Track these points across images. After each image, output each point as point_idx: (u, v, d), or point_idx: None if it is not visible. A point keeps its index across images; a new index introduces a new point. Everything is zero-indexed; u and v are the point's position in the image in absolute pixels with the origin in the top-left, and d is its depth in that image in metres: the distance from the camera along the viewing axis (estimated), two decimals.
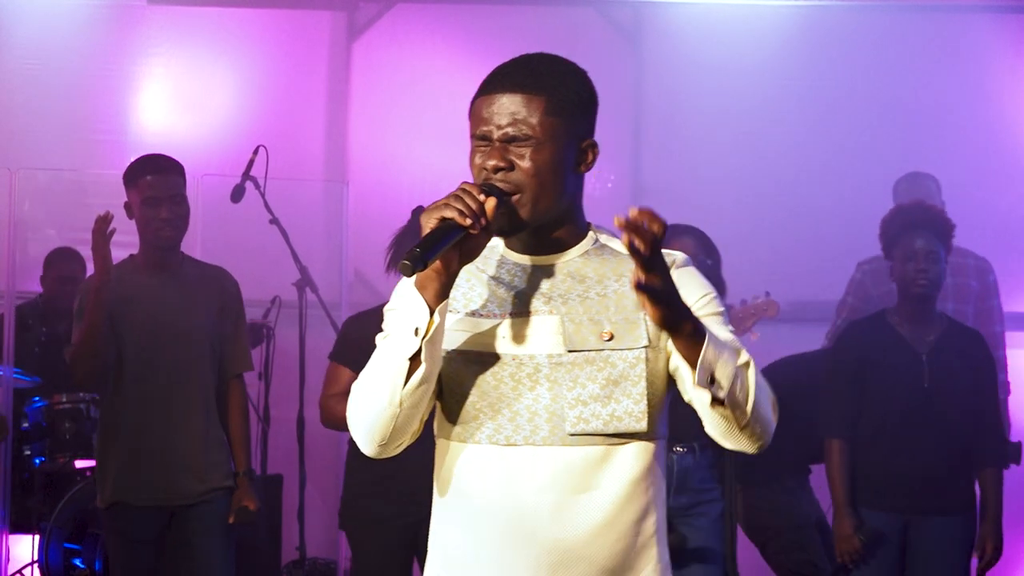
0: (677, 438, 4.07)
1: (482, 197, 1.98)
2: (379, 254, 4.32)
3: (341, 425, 4.25)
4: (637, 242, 1.86)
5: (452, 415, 2.06)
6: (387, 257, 4.25)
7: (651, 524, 2.08)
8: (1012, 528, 4.42)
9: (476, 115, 2.08)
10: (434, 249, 1.91)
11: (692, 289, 2.09)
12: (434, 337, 1.96)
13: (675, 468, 4.02)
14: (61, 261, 6.02)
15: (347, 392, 4.48)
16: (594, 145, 2.12)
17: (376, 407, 2.00)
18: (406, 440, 2.06)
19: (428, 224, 1.94)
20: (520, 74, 2.06)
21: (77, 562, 5.33)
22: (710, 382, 1.95)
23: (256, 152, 5.62)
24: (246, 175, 5.63)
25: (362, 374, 2.05)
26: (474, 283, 2.10)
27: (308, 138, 6.71)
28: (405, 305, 1.99)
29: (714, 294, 2.13)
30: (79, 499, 5.33)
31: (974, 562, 4.29)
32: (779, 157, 6.43)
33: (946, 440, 4.13)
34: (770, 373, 2.22)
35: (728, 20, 6.58)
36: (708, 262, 4.07)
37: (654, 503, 2.08)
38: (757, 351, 4.59)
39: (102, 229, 4.00)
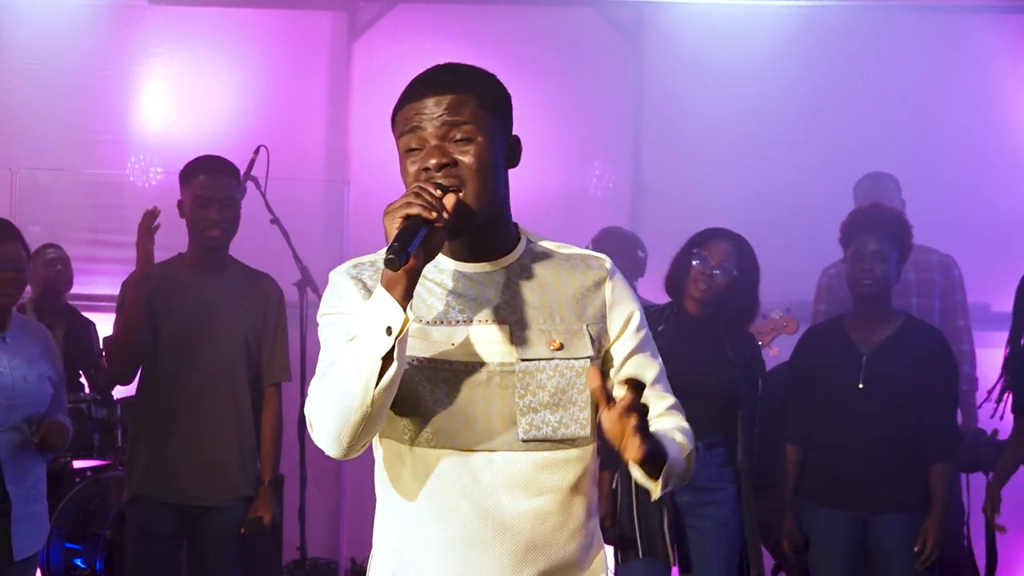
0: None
1: (438, 193, 2.00)
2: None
3: None
4: (636, 454, 1.96)
5: (406, 419, 2.09)
6: None
7: (595, 523, 2.20)
8: (1012, 528, 4.41)
9: (405, 122, 2.10)
10: (411, 244, 1.92)
11: (627, 301, 2.21)
12: (404, 336, 1.97)
13: None
14: (40, 253, 6.00)
15: None
16: (518, 140, 2.16)
17: (346, 409, 1.99)
18: (367, 441, 2.06)
19: (393, 224, 1.95)
20: (443, 78, 2.11)
21: (78, 562, 5.33)
22: (664, 486, 2.10)
23: (257, 152, 5.61)
24: (247, 175, 5.61)
25: (324, 377, 2.05)
26: (421, 293, 2.11)
27: (309, 138, 6.72)
28: (371, 305, 1.99)
29: (640, 310, 2.23)
30: (80, 499, 5.34)
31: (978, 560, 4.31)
32: (779, 157, 6.43)
33: (887, 439, 4.15)
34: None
35: (728, 20, 6.58)
36: (734, 272, 4.07)
37: (594, 503, 2.19)
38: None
39: (147, 224, 4.01)
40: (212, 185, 4.12)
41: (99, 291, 6.28)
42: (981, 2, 6.62)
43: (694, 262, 4.06)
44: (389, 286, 1.97)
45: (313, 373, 1.97)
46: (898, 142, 6.38)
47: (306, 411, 2.09)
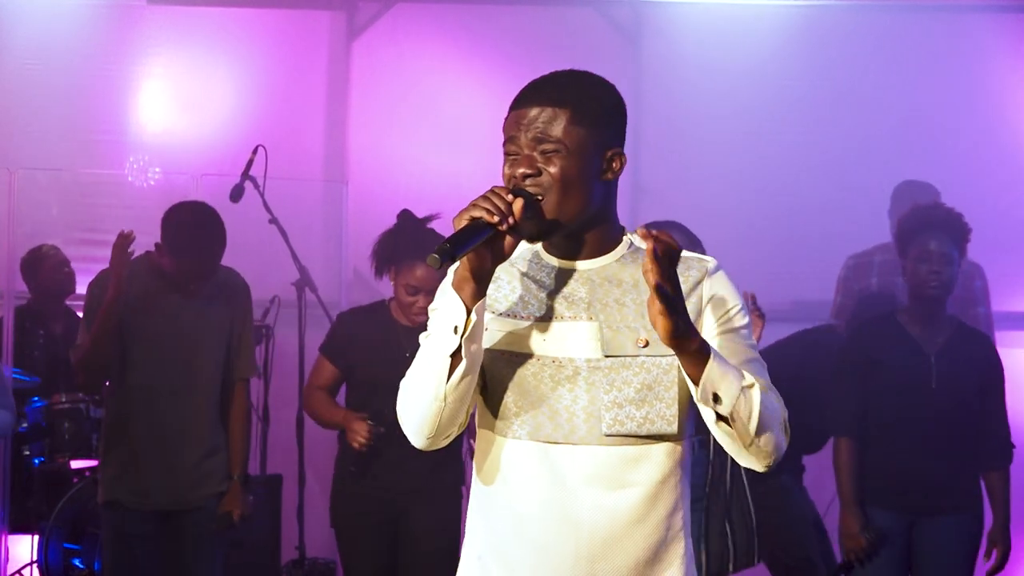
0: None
1: (509, 198, 2.08)
2: None
3: (319, 421, 4.32)
4: (660, 248, 1.99)
5: (494, 410, 2.18)
6: (372, 262, 4.25)
7: (679, 519, 2.20)
8: (1015, 527, 4.41)
9: (508, 125, 2.19)
10: (463, 246, 2.01)
11: (726, 296, 2.22)
12: (472, 334, 2.07)
13: None
14: (42, 257, 6.01)
15: (323, 386, 4.54)
16: (620, 154, 2.22)
17: (422, 403, 2.11)
18: (454, 431, 2.17)
19: (459, 224, 2.04)
20: (547, 89, 2.19)
21: (77, 562, 5.33)
22: (714, 400, 2.06)
23: (255, 152, 5.62)
24: (245, 175, 5.62)
25: (408, 372, 2.16)
26: (515, 285, 2.21)
27: (307, 138, 6.71)
28: (444, 304, 2.10)
29: (742, 306, 2.24)
30: (79, 499, 5.33)
31: (980, 561, 4.30)
32: (779, 157, 6.42)
33: (952, 441, 4.14)
34: (767, 357, 2.26)
35: (728, 20, 6.57)
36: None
37: (682, 499, 2.20)
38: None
39: (123, 246, 4.00)
40: (190, 250, 4.10)
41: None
42: (981, 2, 6.61)
43: None
44: (458, 286, 2.08)
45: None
46: (898, 142, 6.37)
47: (397, 407, 2.19)
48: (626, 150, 2.25)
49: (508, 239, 2.08)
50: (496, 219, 2.04)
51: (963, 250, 4.22)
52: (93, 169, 6.50)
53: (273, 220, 5.57)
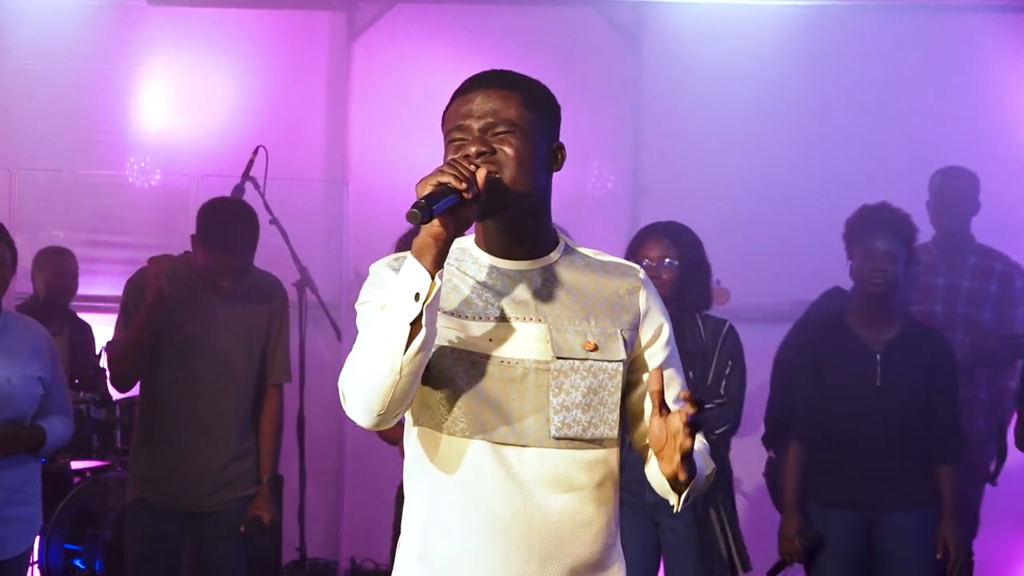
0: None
1: (472, 167, 2.06)
2: (379, 254, 4.29)
3: (387, 438, 4.19)
4: (682, 476, 2.07)
5: (442, 408, 2.14)
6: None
7: (616, 524, 2.24)
8: (1013, 528, 4.42)
9: (452, 115, 2.18)
10: (438, 205, 1.98)
11: (659, 309, 2.29)
12: (433, 302, 2.02)
13: None
14: (53, 259, 6.01)
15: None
16: (562, 147, 2.25)
17: (376, 376, 2.03)
18: (401, 411, 2.10)
19: (424, 190, 2.01)
20: (493, 76, 2.20)
21: (77, 563, 5.33)
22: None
23: (256, 152, 5.62)
24: (246, 175, 5.62)
25: (356, 346, 2.10)
26: (459, 285, 2.18)
27: (308, 138, 6.71)
28: (403, 272, 2.04)
29: (670, 324, 2.31)
30: (79, 500, 5.33)
31: (975, 560, 4.31)
32: (779, 157, 6.42)
33: (901, 437, 4.16)
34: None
35: (728, 20, 6.57)
36: (676, 263, 4.10)
37: (616, 505, 2.24)
38: (757, 351, 4.62)
39: (166, 268, 4.02)
40: (223, 255, 4.11)
41: (98, 292, 6.27)
42: (981, 2, 6.62)
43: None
44: (418, 253, 2.03)
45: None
46: (898, 142, 6.37)
47: (340, 384, 2.12)
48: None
49: (470, 209, 2.05)
50: (463, 185, 2.01)
51: (910, 249, 4.25)
52: (93, 170, 6.50)
53: (273, 220, 5.57)
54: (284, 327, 4.29)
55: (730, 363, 4.14)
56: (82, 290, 6.06)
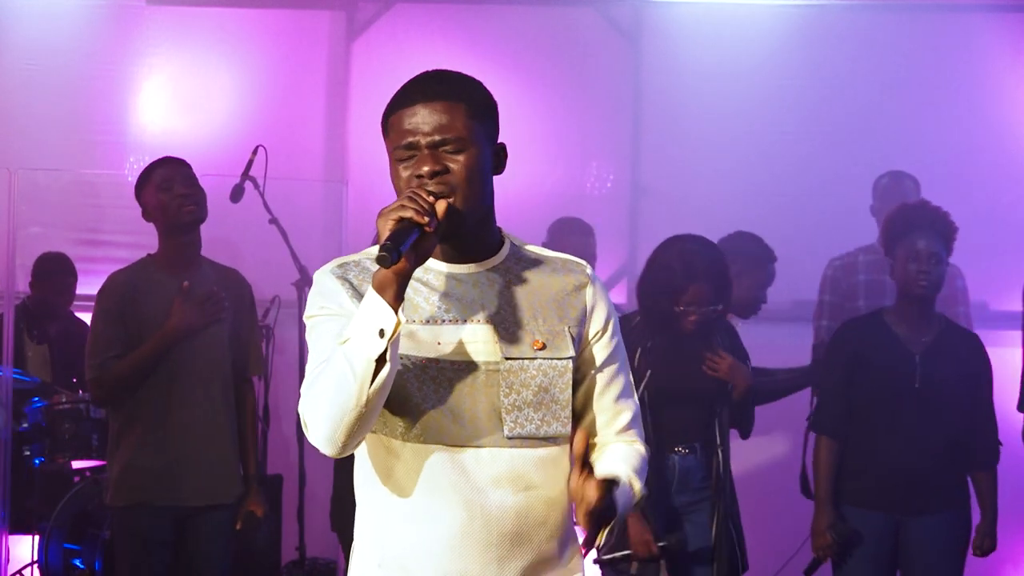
0: (678, 440, 4.10)
1: (431, 199, 2.06)
2: None
3: None
4: (594, 497, 2.07)
5: (396, 414, 2.14)
6: None
7: (571, 520, 2.24)
8: (1012, 528, 4.42)
9: (397, 129, 2.15)
10: (404, 243, 1.99)
11: (606, 307, 2.29)
12: (397, 338, 2.03)
13: (677, 468, 4.09)
14: (53, 268, 6.02)
15: None
16: (504, 148, 2.23)
17: (341, 409, 2.03)
18: (361, 439, 2.12)
19: (386, 226, 2.01)
20: (434, 85, 2.17)
21: (77, 562, 5.33)
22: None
23: (255, 152, 5.62)
24: (245, 175, 5.63)
25: (319, 379, 2.08)
26: (407, 293, 2.14)
27: (307, 138, 6.71)
28: (364, 308, 2.03)
29: (616, 318, 2.31)
30: (79, 499, 5.33)
31: (970, 560, 4.32)
32: (778, 157, 6.42)
33: (937, 440, 4.15)
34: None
35: (728, 20, 6.57)
36: (716, 307, 4.06)
37: (569, 501, 2.22)
38: (757, 352, 4.62)
39: (222, 306, 4.08)
40: (171, 171, 4.13)
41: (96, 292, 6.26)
42: (981, 2, 6.62)
43: (678, 308, 4.02)
44: (380, 288, 2.02)
45: None
46: (897, 141, 6.37)
47: (300, 411, 2.12)
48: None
49: (430, 241, 2.05)
50: (426, 219, 2.01)
51: (950, 248, 4.23)
52: (93, 169, 6.50)
53: (273, 220, 5.57)
54: (254, 320, 4.32)
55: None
56: (81, 290, 6.06)
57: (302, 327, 5.62)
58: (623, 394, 2.30)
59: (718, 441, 4.08)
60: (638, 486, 2.25)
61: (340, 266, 2.23)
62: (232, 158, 5.93)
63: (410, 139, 2.12)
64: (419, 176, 2.10)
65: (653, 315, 4.07)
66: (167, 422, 4.07)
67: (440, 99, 2.13)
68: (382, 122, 2.19)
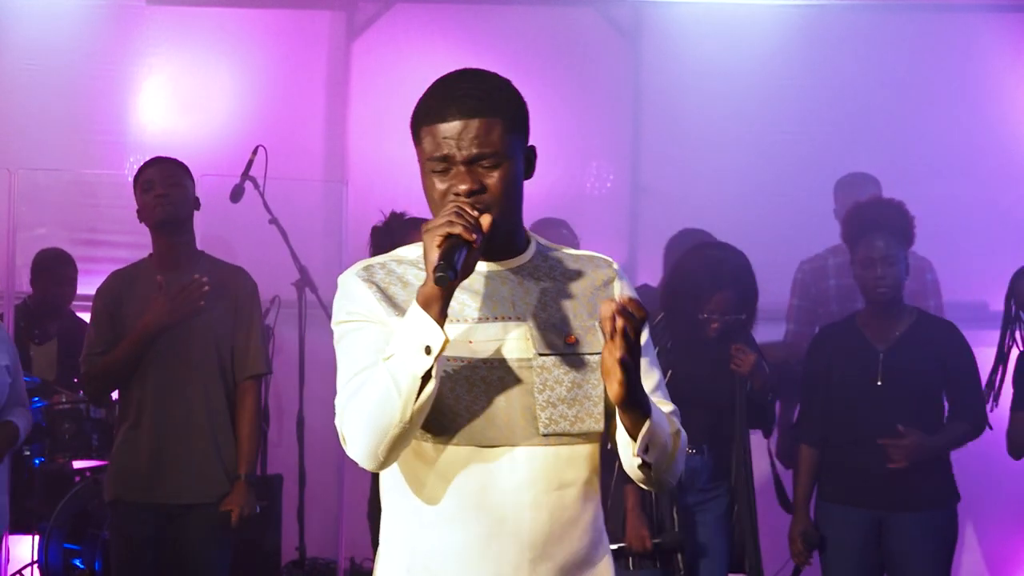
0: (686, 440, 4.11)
1: (476, 213, 2.05)
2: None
3: None
4: (629, 327, 1.97)
5: (428, 417, 2.08)
6: (371, 252, 4.27)
7: (601, 518, 2.23)
8: (1012, 528, 4.42)
9: (432, 140, 2.12)
10: (456, 262, 1.98)
11: None
12: (441, 354, 2.01)
13: (684, 468, 4.09)
14: (52, 263, 6.02)
15: None
16: (534, 150, 2.21)
17: (384, 425, 2.02)
18: (401, 453, 2.09)
19: (433, 242, 1.99)
20: (473, 98, 2.11)
21: (77, 562, 5.33)
22: (643, 450, 2.11)
23: (255, 152, 5.62)
24: (245, 175, 5.63)
25: (360, 395, 2.07)
26: None
27: (307, 138, 6.71)
28: (408, 323, 2.01)
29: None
30: (79, 499, 5.33)
31: (970, 560, 4.33)
32: (778, 157, 6.43)
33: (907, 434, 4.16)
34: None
35: (728, 20, 6.58)
36: (740, 318, 4.08)
37: (599, 499, 2.22)
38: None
39: (198, 296, 4.04)
40: (157, 172, 4.14)
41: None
42: (981, 2, 6.62)
43: (702, 315, 4.04)
44: (426, 304, 2.01)
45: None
46: (898, 141, 6.38)
47: (337, 424, 2.10)
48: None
49: (474, 256, 2.03)
50: (474, 236, 2.00)
51: (909, 240, 4.26)
52: (93, 169, 6.50)
53: (273, 220, 5.58)
54: (256, 318, 4.24)
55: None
56: (81, 289, 6.06)
57: (302, 327, 5.67)
58: (657, 387, 2.25)
59: (735, 441, 4.10)
60: (673, 421, 2.19)
61: (365, 268, 2.20)
62: (232, 158, 5.93)
63: (445, 152, 2.10)
64: (457, 193, 2.08)
65: (676, 320, 4.09)
66: (144, 419, 4.08)
67: (478, 115, 2.09)
68: (413, 125, 2.16)
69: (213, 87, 6.66)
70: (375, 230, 4.40)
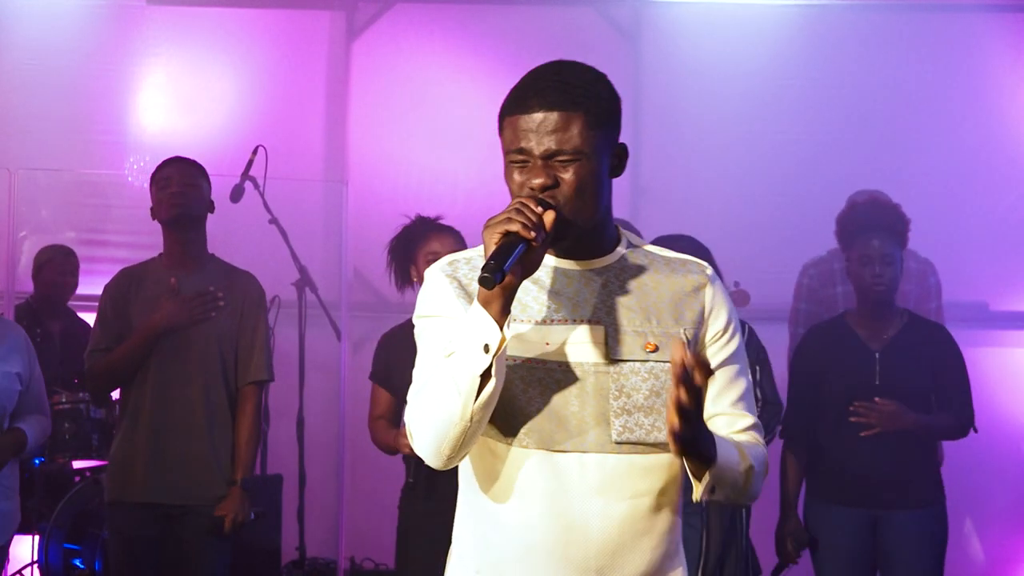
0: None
1: (539, 210, 1.99)
2: (379, 254, 4.32)
3: (385, 450, 4.19)
4: (685, 399, 1.92)
5: (499, 417, 2.07)
6: (390, 267, 4.23)
7: (678, 531, 2.16)
8: (1012, 528, 4.42)
9: (512, 132, 2.08)
10: (507, 262, 1.93)
11: (725, 311, 2.20)
12: (502, 353, 1.98)
13: None
14: (54, 253, 6.02)
15: (387, 415, 4.33)
16: (625, 148, 2.15)
17: (446, 424, 2.01)
18: (468, 451, 2.08)
19: (492, 239, 1.96)
20: (555, 91, 2.06)
21: (77, 562, 5.33)
22: (711, 491, 2.07)
23: (255, 152, 5.62)
24: (245, 175, 5.63)
25: (424, 392, 2.06)
26: (517, 291, 2.09)
27: (307, 138, 6.71)
28: (470, 321, 1.99)
29: (736, 324, 2.20)
30: (79, 499, 5.33)
31: (969, 560, 4.34)
32: (778, 157, 6.43)
33: (903, 437, 4.16)
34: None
35: (728, 20, 6.58)
36: None
37: (679, 510, 2.16)
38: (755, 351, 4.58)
39: (211, 308, 4.07)
40: (173, 171, 4.17)
41: (98, 291, 6.24)
42: (981, 2, 6.62)
43: None
44: (486, 303, 1.97)
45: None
46: (898, 141, 6.38)
47: (406, 420, 2.10)
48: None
49: (538, 254, 1.99)
50: (532, 234, 1.95)
51: (904, 242, 4.27)
52: (93, 169, 6.50)
53: (273, 220, 5.58)
54: (260, 324, 4.23)
55: (758, 368, 4.15)
56: (81, 289, 6.06)
57: (302, 327, 5.67)
58: (743, 397, 2.20)
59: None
60: (745, 453, 2.12)
61: (450, 263, 2.16)
62: (232, 158, 5.93)
63: (523, 145, 2.05)
64: (531, 187, 2.04)
65: None
66: (143, 419, 4.08)
67: (558, 108, 2.04)
68: (499, 115, 2.11)
69: (213, 87, 6.66)
70: (404, 230, 4.30)
